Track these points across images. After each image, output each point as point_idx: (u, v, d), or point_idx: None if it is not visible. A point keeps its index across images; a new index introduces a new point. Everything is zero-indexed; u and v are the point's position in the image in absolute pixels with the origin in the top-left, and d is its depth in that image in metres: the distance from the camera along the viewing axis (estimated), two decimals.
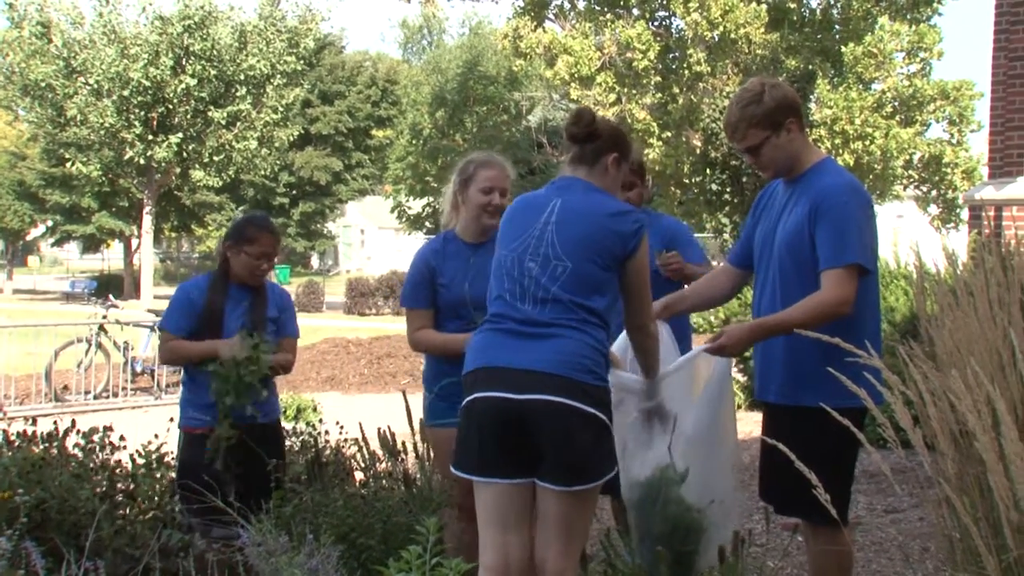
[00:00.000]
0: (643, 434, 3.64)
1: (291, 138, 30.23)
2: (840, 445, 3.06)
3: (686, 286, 4.31)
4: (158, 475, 4.46)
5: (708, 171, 24.04)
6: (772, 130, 3.50)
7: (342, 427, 5.96)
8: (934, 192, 29.60)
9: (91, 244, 45.58)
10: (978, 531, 2.25)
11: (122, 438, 4.52)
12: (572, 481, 3.13)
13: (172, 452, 4.62)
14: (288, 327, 4.70)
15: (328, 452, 4.85)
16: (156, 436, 4.67)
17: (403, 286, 4.48)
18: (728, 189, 24.03)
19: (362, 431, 5.76)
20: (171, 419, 5.22)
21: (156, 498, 4.39)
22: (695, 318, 10.94)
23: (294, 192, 39.41)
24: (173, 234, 49.35)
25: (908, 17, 27.42)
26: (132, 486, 4.29)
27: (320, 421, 5.84)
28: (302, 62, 28.73)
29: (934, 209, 30.23)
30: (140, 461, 4.40)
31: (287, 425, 5.23)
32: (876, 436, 2.80)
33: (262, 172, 31.24)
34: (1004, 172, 9.49)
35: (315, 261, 61.61)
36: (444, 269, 4.25)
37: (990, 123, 10.20)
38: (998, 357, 2.80)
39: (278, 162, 33.46)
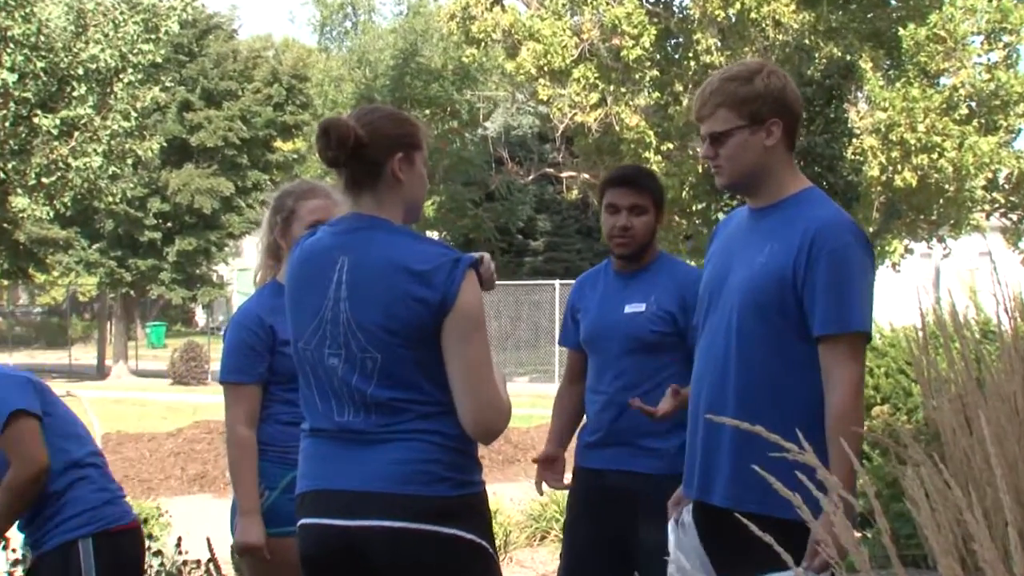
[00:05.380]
0: None
1: (152, 152, 29.92)
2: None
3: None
4: None
5: (716, 195, 24.11)
6: (747, 121, 3.49)
7: (180, 544, 5.94)
8: None
9: None
10: None
11: None
12: None
13: None
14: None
15: None
16: None
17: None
18: None
19: (210, 548, 5.69)
20: None
21: None
22: None
23: (169, 224, 38.86)
24: (5, 281, 48.86)
25: None
26: None
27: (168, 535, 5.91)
28: (164, 50, 28.54)
29: None
30: None
31: None
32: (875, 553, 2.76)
33: (110, 198, 30.59)
34: None
35: (200, 316, 61.17)
36: (279, 327, 4.26)
37: None
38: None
39: (133, 184, 32.79)
